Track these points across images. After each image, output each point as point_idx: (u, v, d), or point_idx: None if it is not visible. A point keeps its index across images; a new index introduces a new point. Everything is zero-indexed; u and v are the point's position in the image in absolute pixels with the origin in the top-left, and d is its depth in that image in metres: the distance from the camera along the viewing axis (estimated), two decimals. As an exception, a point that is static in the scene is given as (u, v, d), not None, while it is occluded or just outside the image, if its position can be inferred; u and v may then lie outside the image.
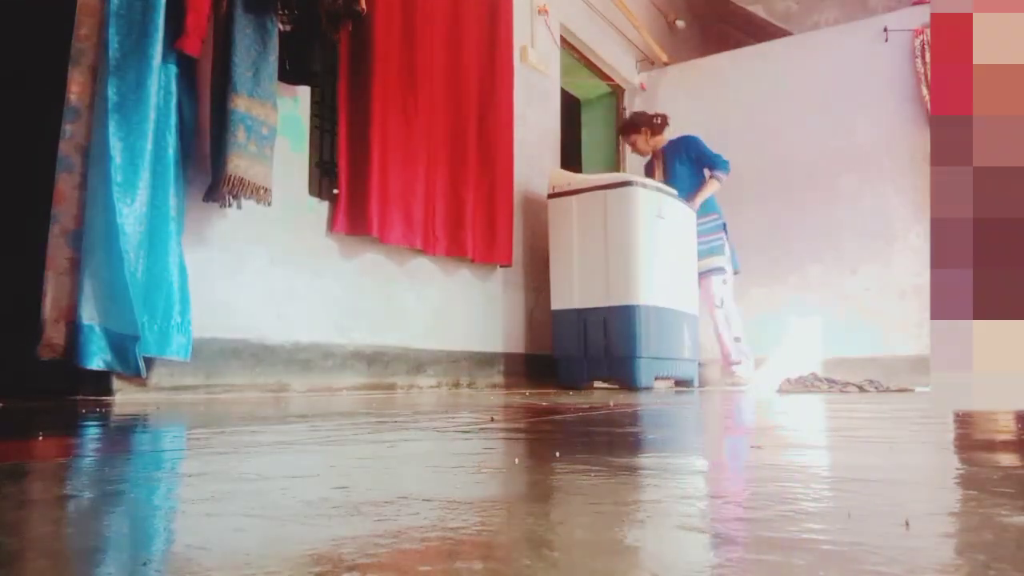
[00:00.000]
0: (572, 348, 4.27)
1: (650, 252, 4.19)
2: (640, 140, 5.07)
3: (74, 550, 0.53)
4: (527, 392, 3.51)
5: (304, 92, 3.22)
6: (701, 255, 4.74)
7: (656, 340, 4.15)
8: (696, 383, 4.64)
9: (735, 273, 4.91)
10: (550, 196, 4.45)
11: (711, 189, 4.79)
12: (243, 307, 2.89)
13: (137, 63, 2.41)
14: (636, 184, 4.21)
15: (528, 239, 4.72)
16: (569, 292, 4.32)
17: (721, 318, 4.75)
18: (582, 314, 4.25)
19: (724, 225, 4.87)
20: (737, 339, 4.75)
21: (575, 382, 4.24)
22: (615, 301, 4.13)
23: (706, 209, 4.77)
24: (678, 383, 4.65)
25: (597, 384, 4.32)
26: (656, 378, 4.24)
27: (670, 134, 5.03)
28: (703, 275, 4.75)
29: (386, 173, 3.45)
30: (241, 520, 0.60)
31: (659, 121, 5.05)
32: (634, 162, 6.15)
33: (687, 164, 4.89)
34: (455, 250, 3.93)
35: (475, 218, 4.06)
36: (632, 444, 1.25)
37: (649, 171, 5.05)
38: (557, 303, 4.36)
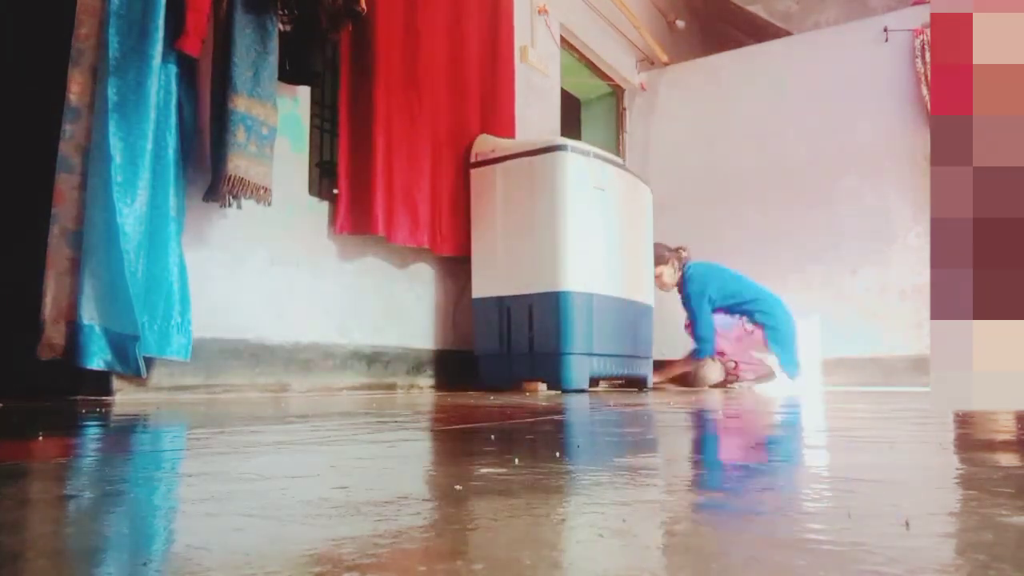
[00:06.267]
0: (493, 343, 3.61)
1: (584, 229, 3.52)
2: (667, 272, 4.69)
3: (74, 550, 0.53)
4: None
5: (304, 92, 3.22)
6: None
7: (593, 333, 3.49)
8: (649, 383, 4.06)
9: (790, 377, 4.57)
10: (473, 165, 3.82)
11: (681, 368, 4.60)
12: (243, 307, 2.89)
13: (137, 63, 2.41)
14: (568, 149, 3.52)
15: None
16: (491, 277, 3.66)
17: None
18: (504, 302, 3.58)
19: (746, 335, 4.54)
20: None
21: (498, 383, 3.61)
22: (541, 287, 3.46)
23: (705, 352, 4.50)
24: (628, 383, 4.11)
25: (529, 386, 3.57)
26: (597, 378, 3.68)
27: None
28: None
29: (391, 172, 3.45)
30: (241, 520, 0.60)
31: (685, 254, 4.77)
32: (633, 161, 6.15)
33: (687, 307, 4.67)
34: (462, 249, 3.93)
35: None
36: (621, 444, 1.25)
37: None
38: (479, 291, 3.72)
